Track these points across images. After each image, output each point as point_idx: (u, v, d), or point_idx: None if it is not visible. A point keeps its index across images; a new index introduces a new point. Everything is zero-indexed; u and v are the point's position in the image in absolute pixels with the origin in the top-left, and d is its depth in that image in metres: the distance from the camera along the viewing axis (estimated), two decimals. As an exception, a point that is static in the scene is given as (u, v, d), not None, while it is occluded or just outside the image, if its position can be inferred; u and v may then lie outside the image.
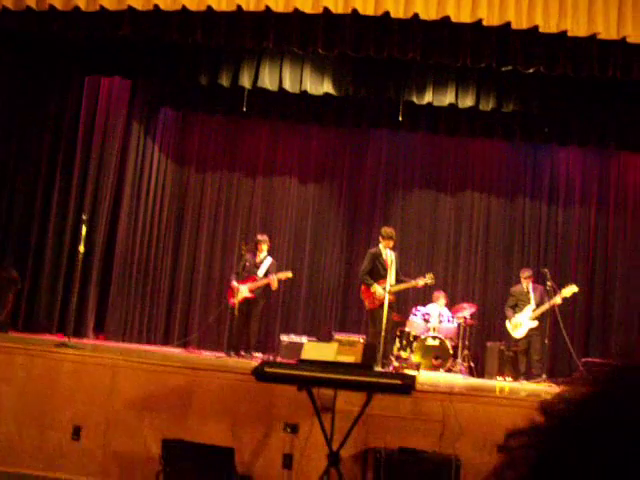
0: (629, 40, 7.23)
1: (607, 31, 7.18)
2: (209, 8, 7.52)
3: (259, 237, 10.42)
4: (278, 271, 10.32)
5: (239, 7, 7.47)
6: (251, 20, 7.97)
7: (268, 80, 9.80)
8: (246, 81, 9.83)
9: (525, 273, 10.31)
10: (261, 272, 10.10)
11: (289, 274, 10.28)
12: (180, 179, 12.26)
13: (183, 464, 5.88)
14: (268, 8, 7.44)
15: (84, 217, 8.75)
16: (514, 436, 0.76)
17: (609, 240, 11.93)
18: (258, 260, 10.18)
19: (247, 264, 10.02)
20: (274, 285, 10.13)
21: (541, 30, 7.27)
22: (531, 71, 8.30)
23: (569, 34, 7.26)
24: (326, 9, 7.36)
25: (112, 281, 10.97)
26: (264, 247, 10.26)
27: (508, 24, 7.28)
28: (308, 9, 7.42)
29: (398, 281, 9.36)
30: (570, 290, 9.77)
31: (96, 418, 6.52)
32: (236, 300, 9.72)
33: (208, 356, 9.47)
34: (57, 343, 7.40)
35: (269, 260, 10.25)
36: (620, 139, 10.77)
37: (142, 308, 11.48)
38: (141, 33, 8.30)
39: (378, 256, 9.34)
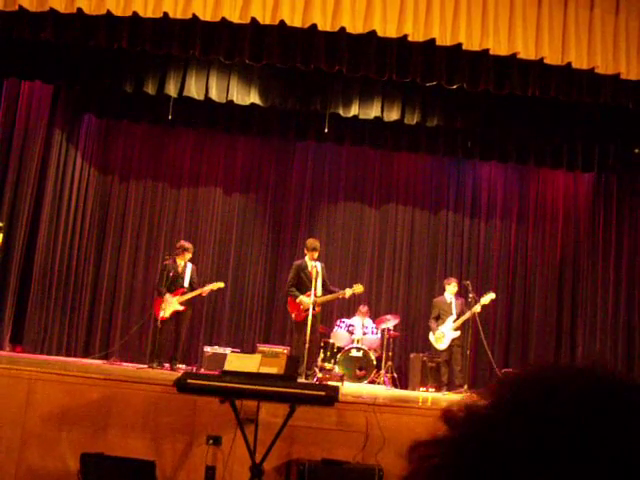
0: (546, 61, 7.49)
1: (526, 51, 7.41)
2: (135, 14, 7.41)
3: (186, 244, 9.98)
4: (205, 282, 10.20)
5: (165, 14, 7.38)
6: (178, 28, 7.89)
7: (194, 89, 9.72)
8: (172, 89, 9.71)
9: (451, 282, 10.47)
10: (186, 282, 9.86)
11: (221, 284, 10.13)
12: (103, 188, 12.00)
13: (102, 479, 5.73)
14: (195, 16, 7.39)
15: (1, 224, 8.49)
16: (418, 446, 0.77)
17: (529, 253, 12.26)
18: (180, 269, 9.85)
19: (171, 274, 9.71)
20: (205, 294, 10.06)
21: (464, 48, 7.43)
22: (455, 87, 8.49)
23: (491, 52, 7.45)
24: (254, 19, 7.35)
25: (31, 290, 10.63)
26: (187, 256, 9.91)
27: (433, 40, 7.42)
28: (235, 19, 7.39)
29: (326, 292, 9.38)
30: (489, 297, 9.99)
31: (10, 433, 6.30)
32: (167, 314, 9.50)
33: (130, 368, 9.28)
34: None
35: (189, 267, 9.98)
36: (539, 156, 11.09)
37: (62, 319, 11.15)
38: (64, 37, 8.11)
39: (303, 268, 9.35)
